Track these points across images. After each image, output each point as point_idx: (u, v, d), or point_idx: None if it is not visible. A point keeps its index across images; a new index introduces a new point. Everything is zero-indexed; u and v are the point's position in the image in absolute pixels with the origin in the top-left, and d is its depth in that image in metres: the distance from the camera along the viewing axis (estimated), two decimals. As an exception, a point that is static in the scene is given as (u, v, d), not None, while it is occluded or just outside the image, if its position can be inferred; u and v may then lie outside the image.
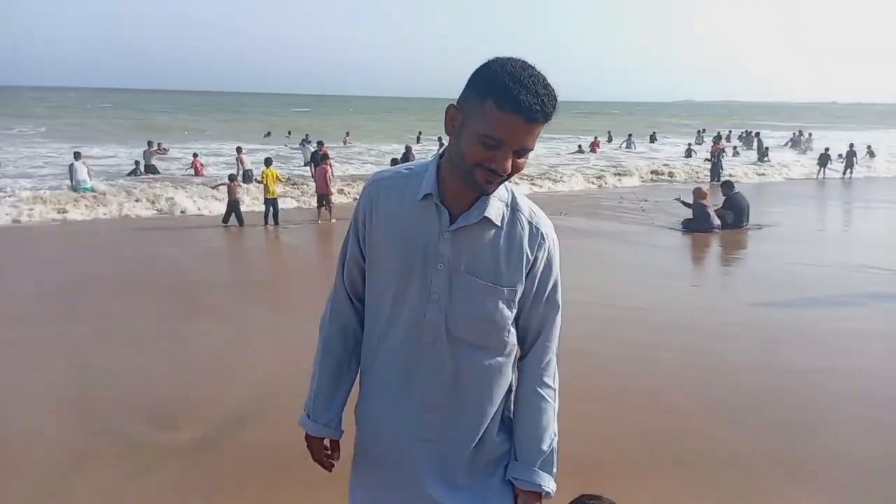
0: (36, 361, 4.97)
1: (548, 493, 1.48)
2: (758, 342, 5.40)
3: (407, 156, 18.21)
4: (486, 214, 1.40)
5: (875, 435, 3.80)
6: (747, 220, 11.04)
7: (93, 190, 13.53)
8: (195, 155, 18.35)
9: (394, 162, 17.98)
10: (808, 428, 3.89)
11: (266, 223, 11.23)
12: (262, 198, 11.60)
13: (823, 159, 20.89)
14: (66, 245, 9.77)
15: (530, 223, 1.45)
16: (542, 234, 1.45)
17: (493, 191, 1.36)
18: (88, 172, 14.01)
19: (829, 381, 4.60)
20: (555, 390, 1.52)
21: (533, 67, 1.28)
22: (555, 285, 1.48)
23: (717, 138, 23.98)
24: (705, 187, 11.33)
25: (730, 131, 31.77)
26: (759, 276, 7.99)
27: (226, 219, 11.30)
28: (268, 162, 11.96)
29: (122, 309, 6.29)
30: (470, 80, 1.32)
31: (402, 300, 1.45)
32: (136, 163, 17.46)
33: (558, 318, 1.51)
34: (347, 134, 29.52)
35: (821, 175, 20.38)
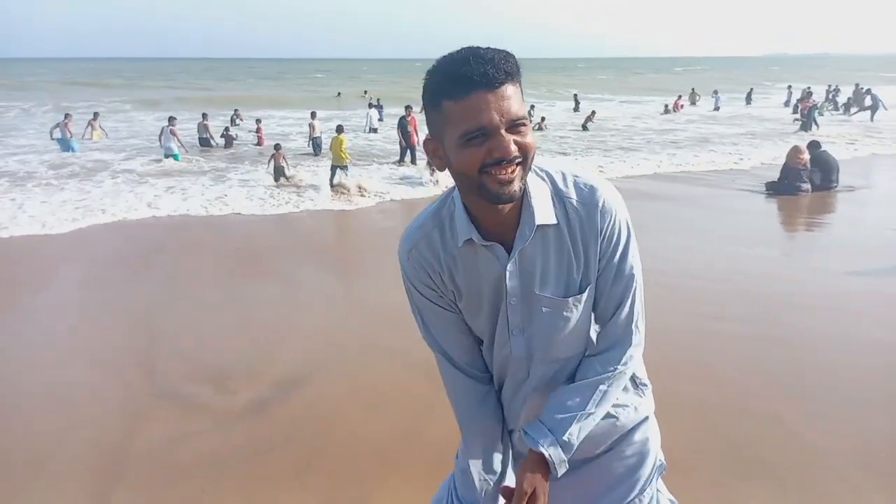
0: (104, 324, 5.26)
1: (552, 462, 1.35)
2: (834, 314, 5.02)
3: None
4: (539, 222, 1.28)
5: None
6: (837, 181, 10.24)
7: (178, 159, 14.14)
8: (258, 121, 18.24)
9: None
10: (885, 413, 3.59)
11: (332, 185, 11.29)
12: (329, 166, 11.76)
13: None
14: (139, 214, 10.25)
15: (581, 202, 1.30)
16: (598, 205, 1.30)
17: (517, 189, 1.19)
18: (178, 141, 14.51)
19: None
20: (616, 370, 1.37)
21: (482, 47, 1.17)
22: (624, 254, 1.33)
23: (808, 94, 22.33)
24: (803, 147, 10.49)
25: (829, 86, 29.36)
26: (844, 243, 7.44)
27: (276, 178, 11.62)
28: (339, 129, 12.11)
29: (189, 273, 6.56)
30: (424, 104, 1.23)
31: (493, 340, 1.44)
32: (226, 129, 17.44)
33: (637, 291, 1.36)
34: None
35: None
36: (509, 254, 1.31)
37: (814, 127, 18.28)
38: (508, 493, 1.40)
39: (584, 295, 1.34)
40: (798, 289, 5.68)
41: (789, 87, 29.95)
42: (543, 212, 1.28)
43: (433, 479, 3.18)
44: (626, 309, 1.36)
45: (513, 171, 1.17)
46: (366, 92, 29.68)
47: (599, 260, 1.32)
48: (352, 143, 14.91)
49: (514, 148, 1.15)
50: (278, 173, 11.73)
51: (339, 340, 4.79)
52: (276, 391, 3.97)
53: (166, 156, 14.18)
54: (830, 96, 26.65)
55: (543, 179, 1.31)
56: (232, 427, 3.57)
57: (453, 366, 1.48)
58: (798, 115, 20.26)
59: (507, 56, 1.15)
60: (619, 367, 1.37)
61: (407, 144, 13.78)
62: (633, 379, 1.52)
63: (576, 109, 26.34)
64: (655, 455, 1.56)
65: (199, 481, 3.07)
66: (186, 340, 4.84)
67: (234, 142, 17.01)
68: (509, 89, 1.14)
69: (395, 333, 4.84)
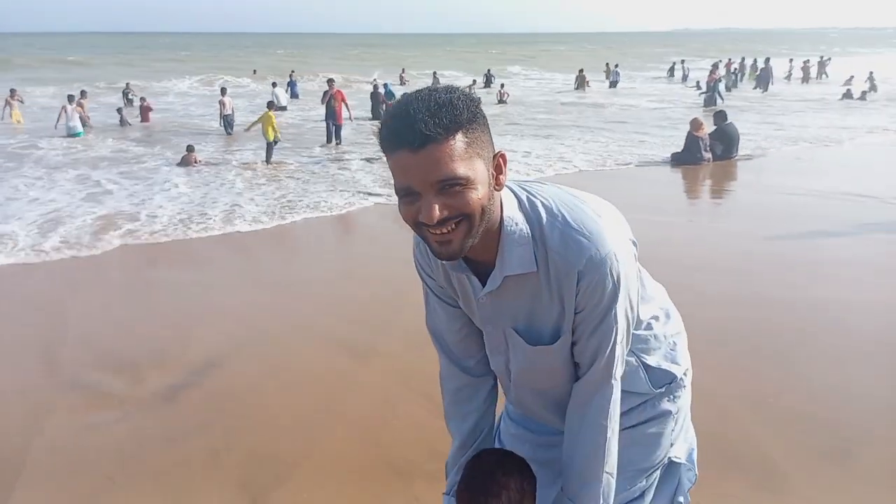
0: (3, 311, 4.94)
1: None
2: (736, 274, 5.35)
3: (376, 95, 17.39)
4: (507, 273, 1.23)
5: (842, 365, 3.78)
6: (737, 151, 10.86)
7: (82, 136, 13.89)
8: (143, 99, 17.24)
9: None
10: (775, 359, 3.87)
11: (268, 162, 11.15)
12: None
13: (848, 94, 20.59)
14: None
15: (563, 256, 1.20)
16: (578, 264, 1.20)
17: (458, 249, 1.14)
18: (82, 118, 14.34)
19: (803, 311, 4.56)
20: (608, 427, 1.32)
21: (427, 92, 1.09)
22: (608, 309, 1.24)
23: (714, 68, 23.36)
24: (702, 118, 11.05)
25: (730, 59, 30.73)
26: (744, 208, 7.92)
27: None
28: (269, 105, 12.07)
29: (94, 256, 6.23)
30: None
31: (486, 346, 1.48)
32: (119, 110, 16.49)
33: (617, 343, 1.29)
34: (403, 70, 27.74)
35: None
36: (484, 285, 1.29)
37: (718, 100, 19.16)
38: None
39: (556, 346, 1.31)
40: (702, 251, 6.02)
41: (682, 62, 31.23)
42: (518, 260, 1.22)
43: (355, 454, 3.21)
44: (604, 360, 1.29)
45: (450, 231, 1.12)
46: (292, 72, 26.15)
47: (577, 312, 1.26)
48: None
49: (437, 214, 1.08)
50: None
51: (256, 322, 4.68)
52: (190, 376, 3.84)
53: (70, 135, 13.84)
54: (733, 70, 27.93)
55: (528, 215, 1.23)
56: (142, 414, 3.45)
57: (444, 353, 1.51)
58: (704, 89, 21.09)
59: (441, 110, 1.06)
60: (609, 423, 1.33)
61: (333, 122, 12.91)
62: (649, 371, 1.46)
63: (486, 84, 26.42)
64: (665, 453, 1.51)
65: (108, 470, 2.95)
66: (92, 328, 4.61)
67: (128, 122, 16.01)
68: (436, 151, 1.06)
69: (315, 312, 4.80)
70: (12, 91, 17.25)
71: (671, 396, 1.48)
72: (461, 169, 1.07)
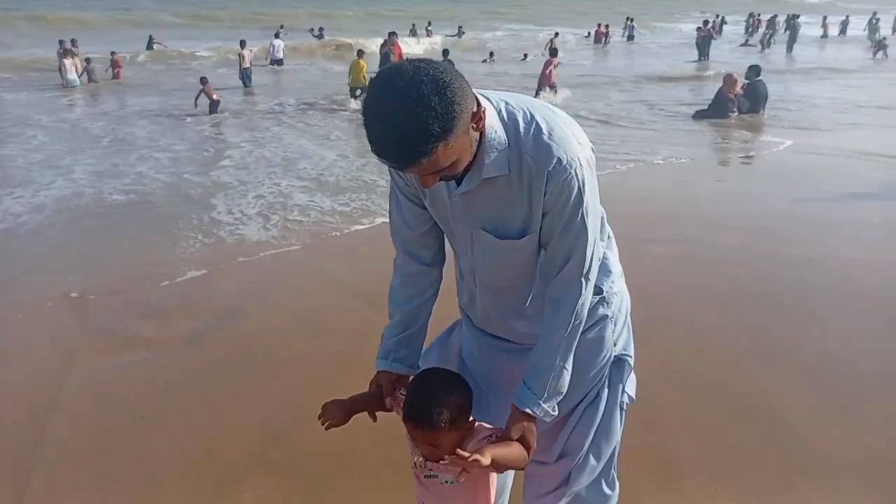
0: (32, 255, 5.08)
1: (538, 417, 1.48)
2: (754, 232, 5.32)
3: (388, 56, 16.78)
4: (485, 175, 1.34)
5: (855, 323, 3.80)
6: (763, 110, 10.64)
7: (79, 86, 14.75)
8: (113, 53, 16.71)
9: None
10: (789, 315, 3.89)
11: (357, 98, 11.78)
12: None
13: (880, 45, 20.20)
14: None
15: (535, 158, 1.32)
16: (547, 166, 1.31)
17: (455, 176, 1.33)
18: (76, 69, 15.10)
19: (818, 271, 4.54)
20: (570, 323, 1.43)
21: (398, 104, 1.13)
22: (574, 211, 1.35)
23: (705, 23, 22.49)
24: (738, 77, 10.73)
25: (769, 16, 29.50)
26: (767, 167, 7.81)
27: (210, 112, 11.39)
28: (359, 54, 12.71)
29: (121, 202, 6.35)
30: None
31: (453, 248, 1.60)
32: (87, 61, 15.77)
33: (588, 245, 1.39)
34: (430, 24, 27.95)
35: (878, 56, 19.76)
36: (459, 185, 1.38)
37: (706, 55, 18.76)
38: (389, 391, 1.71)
39: (522, 241, 1.41)
40: (721, 210, 5.98)
41: (717, 15, 30.37)
42: (496, 165, 1.33)
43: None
44: (576, 259, 1.40)
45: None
46: (318, 30, 25.93)
47: (545, 214, 1.37)
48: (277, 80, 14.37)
49: (426, 184, 1.29)
50: (213, 108, 11.41)
51: (279, 271, 4.79)
52: (213, 322, 3.96)
53: (69, 86, 14.61)
54: (766, 29, 26.81)
55: (505, 124, 1.33)
56: (169, 357, 3.58)
57: (402, 246, 1.63)
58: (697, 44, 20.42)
59: (413, 140, 1.15)
60: (573, 320, 1.44)
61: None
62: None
63: (459, 35, 27.44)
64: (610, 353, 1.65)
65: (137, 408, 3.09)
66: (119, 274, 4.74)
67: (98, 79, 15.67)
68: (417, 168, 1.21)
69: (338, 264, 4.88)
70: (61, 42, 16.59)
71: (605, 303, 1.61)
72: (445, 163, 1.21)
